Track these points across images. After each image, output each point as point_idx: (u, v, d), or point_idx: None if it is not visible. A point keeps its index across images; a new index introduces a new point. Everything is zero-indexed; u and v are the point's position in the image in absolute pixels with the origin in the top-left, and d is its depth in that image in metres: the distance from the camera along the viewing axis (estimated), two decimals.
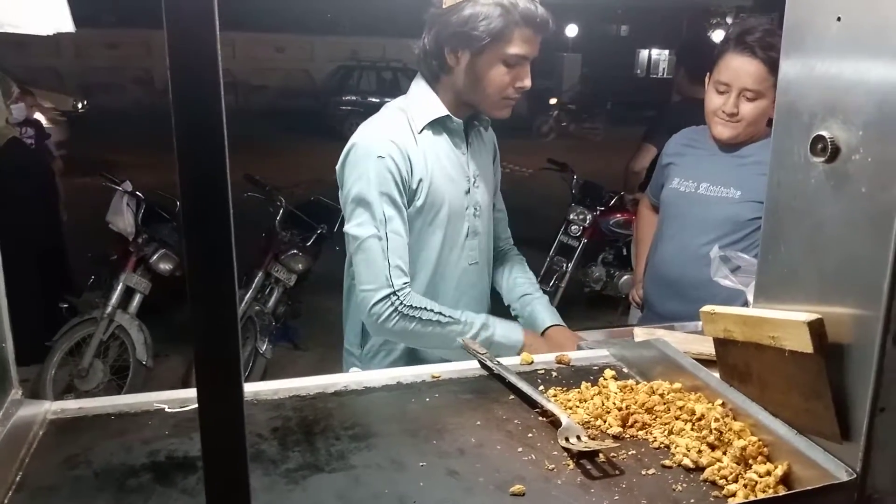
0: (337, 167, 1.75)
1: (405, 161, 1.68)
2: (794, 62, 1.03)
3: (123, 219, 4.10)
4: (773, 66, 1.97)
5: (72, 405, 1.25)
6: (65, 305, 4.30)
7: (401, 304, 1.65)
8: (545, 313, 1.91)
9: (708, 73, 2.18)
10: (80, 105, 12.87)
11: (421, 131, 1.73)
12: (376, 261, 1.66)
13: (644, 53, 24.79)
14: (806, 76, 1.01)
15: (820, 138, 0.96)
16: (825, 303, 0.98)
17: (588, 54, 21.06)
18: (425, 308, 1.67)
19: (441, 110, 1.75)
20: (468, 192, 1.80)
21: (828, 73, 0.97)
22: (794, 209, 1.03)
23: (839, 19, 0.94)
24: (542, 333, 1.86)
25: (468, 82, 1.71)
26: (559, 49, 20.22)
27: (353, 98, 15.36)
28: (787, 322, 0.98)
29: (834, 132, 0.95)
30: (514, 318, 1.94)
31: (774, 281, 1.08)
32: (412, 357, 1.81)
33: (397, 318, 1.65)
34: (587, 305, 5.52)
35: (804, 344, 0.95)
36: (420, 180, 1.70)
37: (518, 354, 1.54)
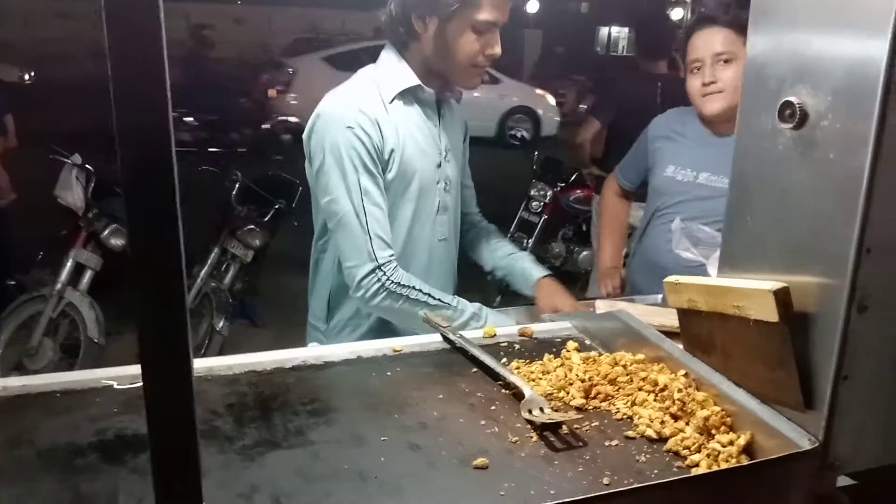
0: (304, 138, 1.69)
1: (376, 130, 1.62)
2: (762, 30, 1.01)
3: (73, 193, 3.96)
4: (738, 29, 1.99)
5: (15, 382, 1.19)
6: (12, 283, 4.16)
7: (387, 279, 1.61)
8: (535, 268, 1.91)
9: (683, 67, 2.22)
10: (27, 76, 12.44)
11: (391, 101, 1.68)
12: (357, 235, 1.61)
13: (604, 31, 24.85)
14: (774, 43, 0.99)
15: (788, 104, 0.94)
16: (790, 272, 0.97)
17: (549, 31, 21.04)
18: (413, 287, 1.63)
19: (412, 80, 1.70)
20: (439, 165, 1.76)
21: (797, 40, 0.95)
22: (760, 177, 1.02)
23: None
24: (535, 283, 1.86)
25: (436, 50, 1.66)
26: (520, 25, 20.15)
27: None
28: (753, 291, 0.97)
29: (802, 98, 0.94)
30: (498, 283, 1.95)
31: (739, 250, 1.07)
32: (379, 333, 1.75)
33: (384, 294, 1.62)
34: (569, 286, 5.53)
35: (769, 313, 0.95)
36: (392, 150, 1.65)
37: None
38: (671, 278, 1.16)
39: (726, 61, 2.04)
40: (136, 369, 1.23)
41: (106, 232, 3.93)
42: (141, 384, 1.16)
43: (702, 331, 1.13)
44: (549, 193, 5.25)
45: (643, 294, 2.17)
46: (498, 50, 1.68)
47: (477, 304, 1.71)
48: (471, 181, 2.01)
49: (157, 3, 0.53)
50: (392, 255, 1.64)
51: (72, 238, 3.96)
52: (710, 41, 2.06)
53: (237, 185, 4.34)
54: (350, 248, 1.63)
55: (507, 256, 1.96)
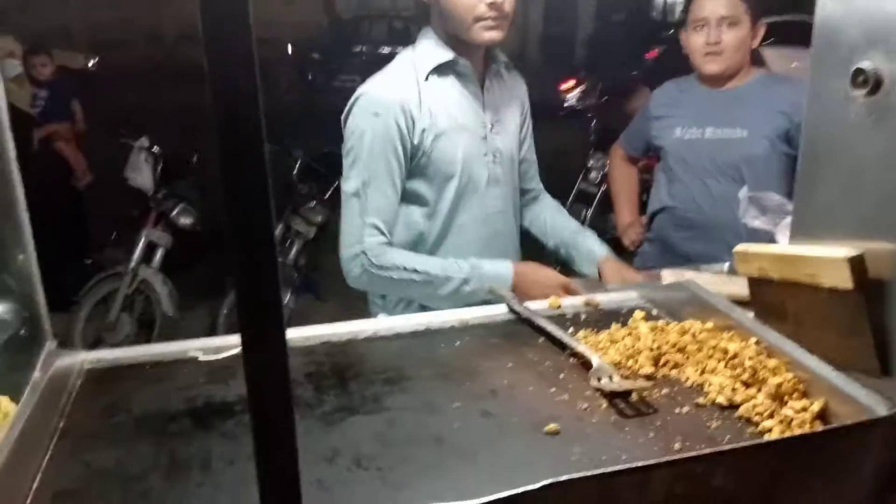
0: (342, 119, 1.73)
1: (405, 117, 1.65)
2: None
3: (142, 174, 4.12)
4: None
5: (107, 355, 1.27)
6: (89, 261, 4.35)
7: (370, 263, 1.66)
8: (599, 246, 1.91)
9: (682, 29, 2.33)
10: (90, 63, 12.77)
11: (427, 78, 1.69)
12: (353, 219, 1.67)
13: None
14: (844, 9, 0.97)
15: (861, 71, 0.93)
16: (864, 239, 0.96)
17: None
18: (397, 266, 1.66)
19: (446, 55, 1.70)
20: (485, 137, 1.76)
21: (870, 4, 0.93)
22: (831, 145, 1.01)
23: None
24: (598, 264, 1.86)
25: (443, 11, 1.66)
26: None
27: (365, 48, 15.21)
28: (826, 259, 0.97)
29: (876, 63, 0.92)
30: (559, 261, 1.97)
31: (811, 218, 1.06)
32: (428, 309, 1.80)
33: (365, 276, 1.68)
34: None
35: (844, 280, 0.94)
36: (424, 130, 1.67)
37: (510, 289, 1.58)
38: (741, 247, 1.15)
39: (729, 24, 2.18)
40: (218, 341, 1.30)
41: (175, 211, 4.08)
42: (224, 355, 1.24)
43: (773, 299, 1.13)
44: (607, 164, 5.19)
45: (676, 249, 2.38)
46: None
47: (467, 266, 1.70)
48: (533, 155, 2.00)
49: None
50: (382, 242, 1.67)
51: (143, 218, 4.13)
52: (716, 2, 2.18)
53: (298, 163, 4.43)
54: (345, 230, 1.69)
55: (571, 234, 1.95)
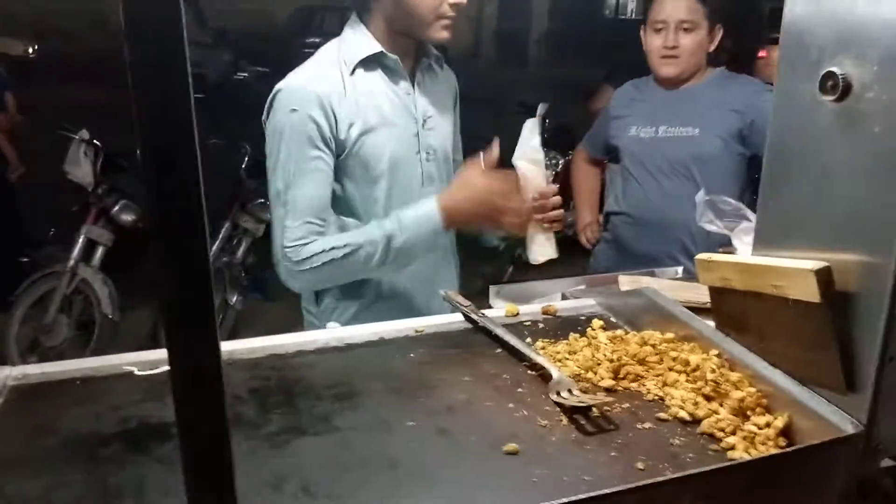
0: (262, 119, 1.64)
1: (325, 111, 1.57)
2: None
3: (81, 168, 3.94)
4: None
5: (34, 370, 1.17)
6: (25, 260, 4.16)
7: (290, 262, 1.58)
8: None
9: (642, 25, 2.36)
10: (30, 50, 12.33)
11: (353, 72, 1.62)
12: (277, 224, 1.60)
13: None
14: (814, 10, 0.95)
15: (830, 75, 0.90)
16: (831, 250, 0.94)
17: None
18: (315, 253, 1.56)
19: (373, 47, 1.63)
20: (417, 134, 1.70)
21: (839, 5, 0.90)
22: (798, 151, 0.98)
23: None
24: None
25: (396, 7, 1.60)
26: None
27: (317, 40, 14.99)
28: (793, 270, 0.94)
29: (845, 68, 0.89)
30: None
31: (775, 227, 1.04)
32: (366, 315, 1.72)
33: (292, 277, 1.60)
34: (561, 249, 5.49)
35: (810, 293, 0.92)
36: (350, 125, 1.60)
37: (450, 224, 1.55)
38: (703, 256, 1.12)
39: (686, 29, 2.23)
40: (155, 354, 1.22)
41: (116, 208, 3.93)
42: (162, 370, 1.16)
43: (735, 310, 1.10)
44: (560, 162, 5.19)
45: (630, 247, 2.43)
46: None
47: (388, 222, 1.58)
48: (460, 155, 1.92)
49: None
50: (299, 241, 1.57)
51: (83, 214, 3.96)
52: (676, 6, 2.23)
53: (246, 158, 4.31)
54: (273, 234, 1.62)
55: None
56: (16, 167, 4.68)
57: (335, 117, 1.58)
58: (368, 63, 1.64)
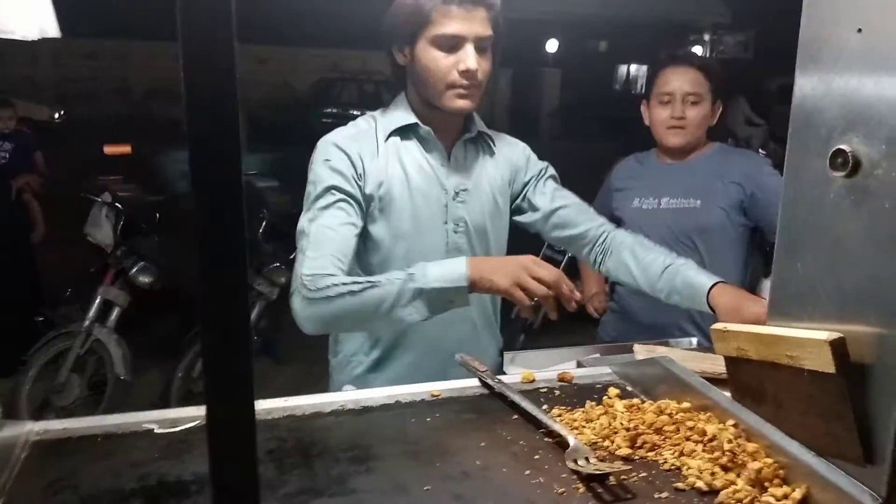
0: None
1: (357, 164, 1.63)
2: (810, 75, 1.01)
3: (102, 230, 4.03)
4: (706, 72, 2.29)
5: (55, 426, 1.19)
6: (40, 319, 4.20)
7: (305, 290, 1.51)
8: (702, 275, 1.69)
9: (644, 100, 2.41)
10: (56, 115, 12.69)
11: (387, 139, 1.69)
12: (299, 257, 1.57)
13: (623, 69, 24.97)
14: (823, 89, 0.99)
15: (840, 152, 0.93)
16: (845, 321, 0.95)
17: (568, 70, 21.19)
18: (329, 285, 1.50)
19: (407, 118, 1.70)
20: (446, 205, 1.73)
21: (847, 86, 0.95)
22: (810, 224, 1.01)
23: (860, 30, 0.92)
24: (708, 295, 1.64)
25: (417, 77, 1.67)
26: (539, 65, 20.33)
27: (335, 110, 15.40)
28: (807, 341, 0.95)
29: (854, 146, 0.92)
30: (668, 304, 1.75)
31: (790, 298, 1.05)
32: (380, 370, 1.75)
33: (307, 306, 1.52)
34: (570, 319, 5.48)
35: (825, 364, 0.93)
36: (379, 184, 1.65)
37: (473, 289, 1.46)
38: (719, 325, 1.14)
39: (693, 102, 2.28)
40: (175, 413, 1.23)
41: (134, 270, 3.98)
42: (181, 428, 1.17)
43: (751, 380, 1.11)
44: None
45: (635, 316, 2.41)
46: (471, 64, 1.60)
47: (410, 269, 1.51)
48: (568, 200, 1.88)
49: (231, 46, 0.54)
50: (320, 272, 1.52)
51: (100, 275, 4.01)
52: (683, 79, 2.28)
53: (263, 223, 4.38)
54: (295, 267, 1.58)
55: (664, 270, 1.75)
56: (40, 229, 4.78)
57: (365, 172, 1.65)
58: (404, 132, 1.71)
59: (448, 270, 1.49)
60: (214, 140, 0.54)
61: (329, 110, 15.36)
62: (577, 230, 1.86)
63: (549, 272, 1.49)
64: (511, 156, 1.86)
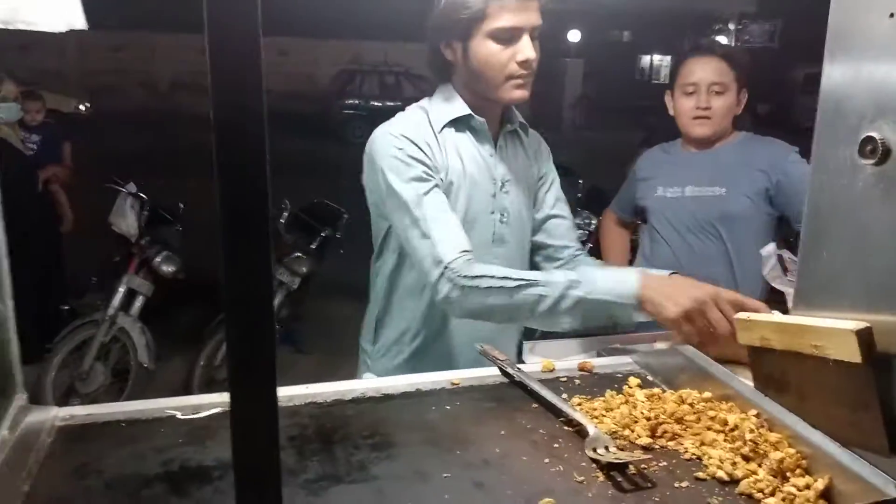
0: (364, 159, 1.71)
1: (425, 150, 1.64)
2: (839, 63, 0.99)
3: (126, 220, 4.07)
4: (730, 62, 2.27)
5: (80, 411, 1.21)
6: (66, 307, 4.26)
7: (455, 275, 1.50)
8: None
9: (668, 90, 2.40)
10: (82, 107, 12.84)
11: (441, 130, 1.69)
12: (420, 247, 1.57)
13: (646, 59, 24.75)
14: (852, 77, 0.97)
15: (869, 139, 0.92)
16: (871, 311, 0.94)
17: (591, 60, 21.06)
18: (484, 276, 1.50)
19: (461, 109, 1.70)
20: (494, 195, 1.75)
21: (878, 73, 0.93)
22: (838, 214, 0.99)
23: (892, 15, 0.90)
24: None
25: (471, 72, 1.66)
26: (561, 55, 20.22)
27: (356, 102, 15.44)
28: (833, 331, 0.94)
29: (884, 133, 0.91)
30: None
31: (815, 287, 1.04)
32: (420, 359, 1.76)
33: (457, 293, 1.51)
34: None
35: (851, 353, 0.91)
36: (445, 173, 1.67)
37: (639, 308, 1.40)
38: (743, 315, 1.13)
39: (718, 92, 2.27)
40: (197, 399, 1.24)
41: (158, 259, 4.02)
42: (203, 414, 1.18)
43: (774, 370, 1.10)
44: (594, 222, 5.20)
45: None
46: (530, 53, 1.62)
47: (573, 274, 1.50)
48: (563, 211, 1.90)
49: (257, 40, 0.54)
50: (463, 252, 1.54)
51: (125, 264, 4.06)
52: (707, 69, 2.27)
53: (285, 214, 4.40)
54: (419, 261, 1.59)
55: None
56: (68, 219, 4.85)
57: (434, 156, 1.65)
58: (457, 124, 1.71)
59: (617, 283, 1.47)
60: (240, 131, 0.54)
61: (350, 101, 15.42)
62: (559, 242, 1.88)
63: (730, 312, 1.33)
64: (537, 148, 1.89)
